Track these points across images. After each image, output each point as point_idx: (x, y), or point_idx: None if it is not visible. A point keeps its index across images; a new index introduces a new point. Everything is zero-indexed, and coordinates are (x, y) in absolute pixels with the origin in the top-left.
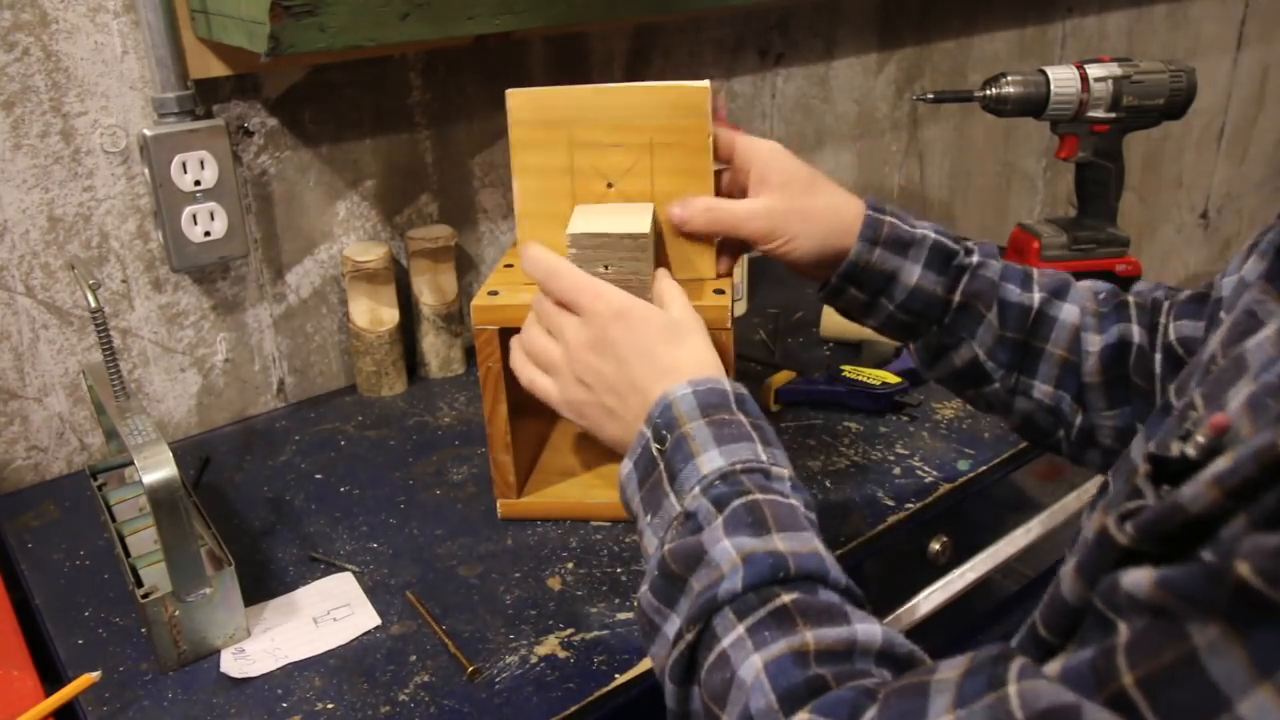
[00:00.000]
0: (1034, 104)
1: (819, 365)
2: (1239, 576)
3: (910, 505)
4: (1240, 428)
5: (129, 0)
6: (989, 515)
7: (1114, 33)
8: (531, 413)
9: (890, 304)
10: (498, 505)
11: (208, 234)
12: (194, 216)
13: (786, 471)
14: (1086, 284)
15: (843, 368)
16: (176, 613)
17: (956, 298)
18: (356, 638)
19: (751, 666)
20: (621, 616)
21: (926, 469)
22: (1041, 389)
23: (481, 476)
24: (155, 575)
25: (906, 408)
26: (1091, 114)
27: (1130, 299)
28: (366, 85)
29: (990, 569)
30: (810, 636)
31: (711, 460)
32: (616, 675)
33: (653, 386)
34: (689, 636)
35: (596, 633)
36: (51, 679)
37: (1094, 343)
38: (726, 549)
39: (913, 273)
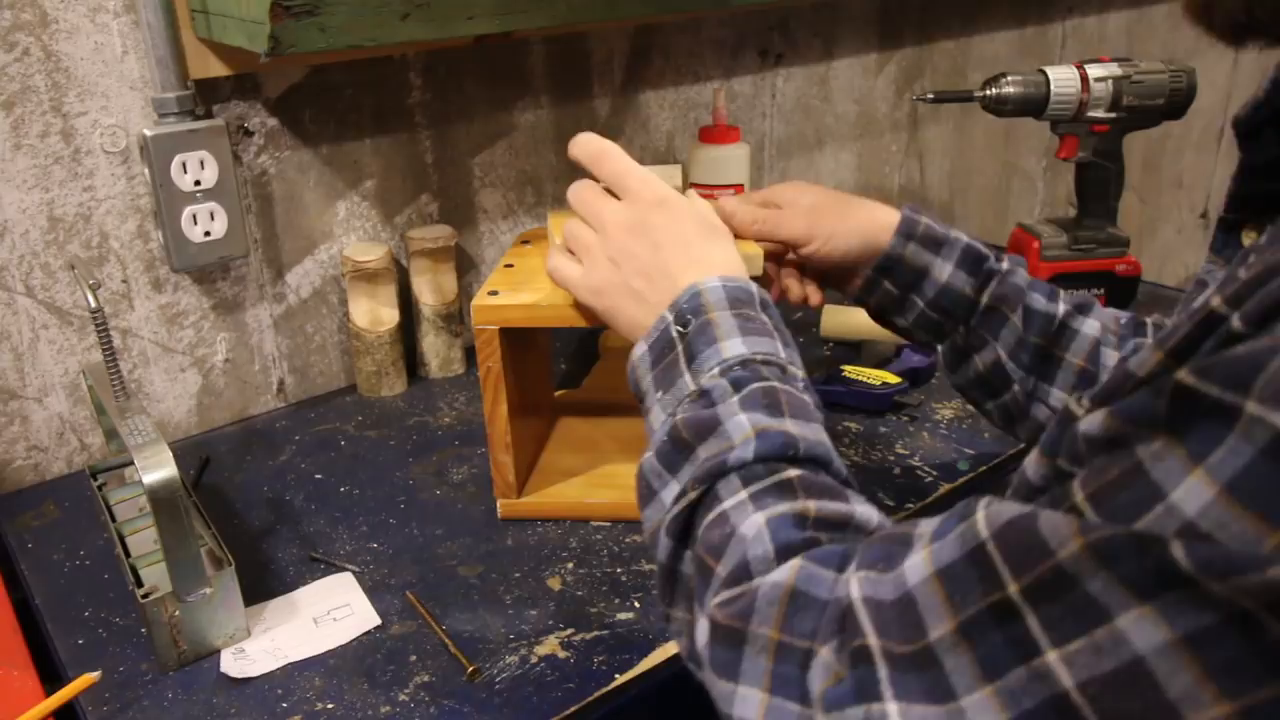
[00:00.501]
0: (1034, 104)
1: (819, 365)
2: (1177, 381)
3: (910, 505)
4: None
5: (129, 0)
6: None
7: (1114, 33)
8: (531, 413)
9: (921, 300)
10: (498, 505)
11: (208, 234)
12: (194, 216)
13: (801, 373)
14: (1110, 309)
15: (843, 368)
16: (176, 613)
17: (984, 300)
18: (356, 638)
19: (753, 523)
20: (621, 616)
21: (926, 469)
22: (1058, 396)
23: (481, 476)
24: (155, 575)
25: (906, 408)
26: (1091, 114)
27: (1149, 321)
28: (366, 85)
29: None
30: (812, 505)
31: (734, 347)
32: (616, 675)
33: (683, 273)
34: (691, 495)
35: (596, 633)
36: (51, 679)
37: (1112, 357)
38: (741, 421)
39: (944, 270)
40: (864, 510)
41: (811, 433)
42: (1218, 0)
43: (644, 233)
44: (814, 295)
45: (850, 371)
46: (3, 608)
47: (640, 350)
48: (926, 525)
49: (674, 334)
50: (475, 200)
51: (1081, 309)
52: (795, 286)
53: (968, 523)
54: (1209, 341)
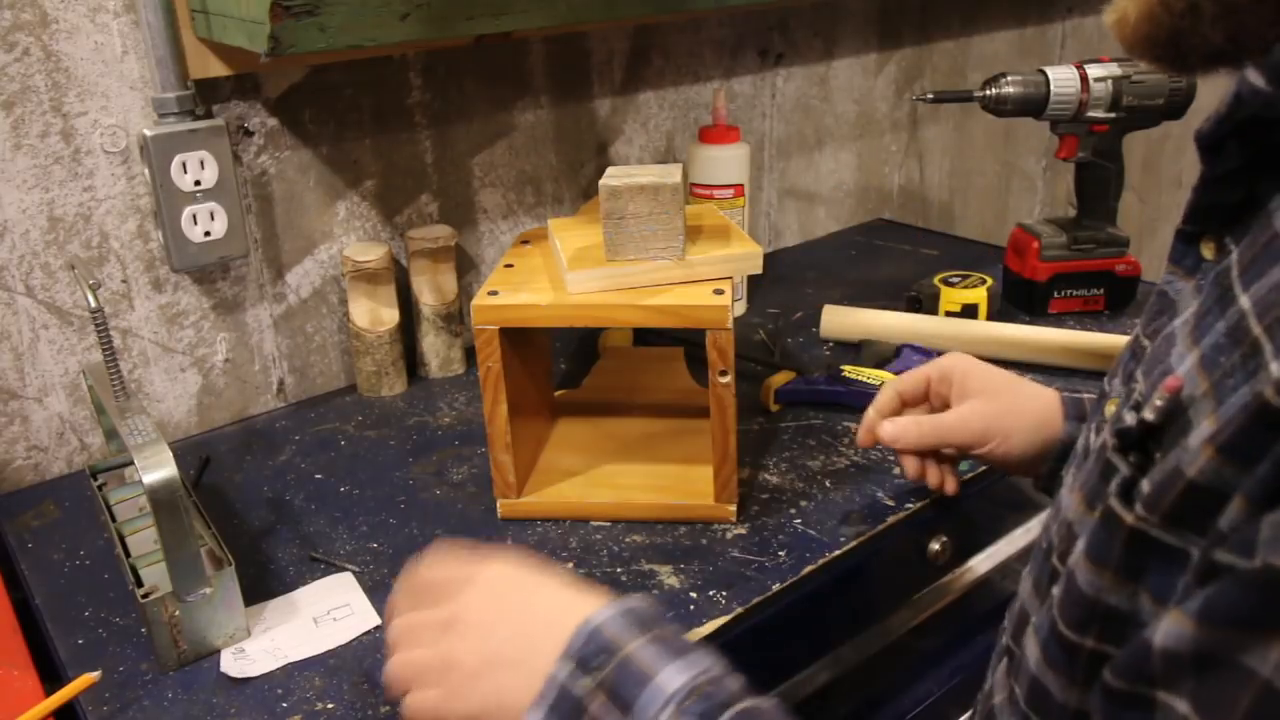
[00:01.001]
0: (1034, 104)
1: (819, 365)
2: (1276, 571)
3: (910, 505)
4: (1195, 386)
5: (129, 0)
6: (989, 515)
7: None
8: (531, 413)
9: None
10: (498, 505)
11: (208, 234)
12: (194, 216)
13: (738, 683)
14: None
15: (843, 368)
16: (176, 613)
17: None
18: (356, 638)
19: None
20: None
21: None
22: None
23: (481, 476)
24: (155, 575)
25: None
26: (1091, 114)
27: None
28: (366, 85)
29: (990, 569)
30: None
31: (674, 678)
32: None
33: (555, 625)
34: None
35: None
36: (51, 679)
37: None
38: None
39: None
40: None
41: None
42: (1189, 31)
43: (491, 610)
44: (950, 484)
45: (850, 371)
46: (3, 608)
47: None
48: None
49: (582, 688)
50: (475, 200)
51: None
52: (935, 474)
53: None
54: (1264, 463)
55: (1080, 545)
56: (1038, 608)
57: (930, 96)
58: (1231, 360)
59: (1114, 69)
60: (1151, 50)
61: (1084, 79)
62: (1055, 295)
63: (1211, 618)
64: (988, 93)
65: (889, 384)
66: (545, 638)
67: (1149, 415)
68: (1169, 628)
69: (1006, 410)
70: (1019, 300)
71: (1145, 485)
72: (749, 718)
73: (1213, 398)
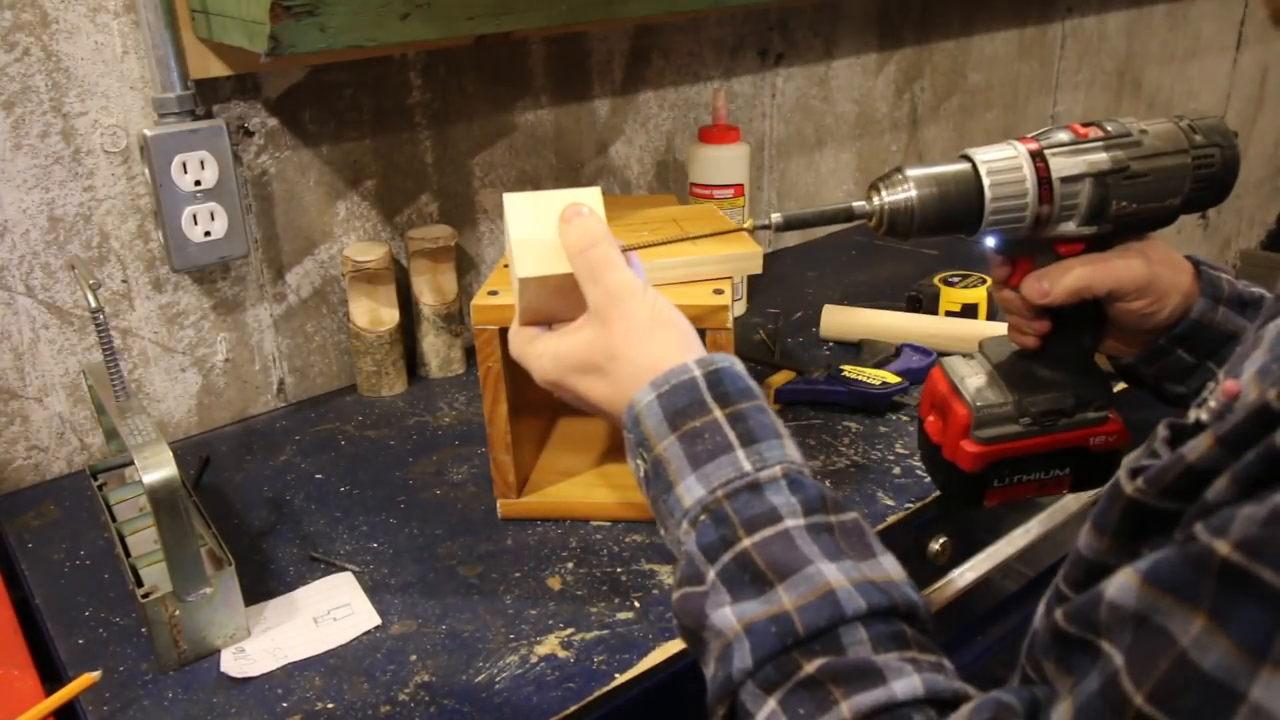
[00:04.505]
0: (953, 217)
1: (819, 365)
2: (1221, 556)
3: (910, 505)
4: (1249, 393)
5: (129, 0)
6: (989, 515)
7: (1114, 33)
8: (531, 413)
9: (1218, 369)
10: (498, 505)
11: (208, 234)
12: (194, 216)
13: (779, 468)
14: None
15: (843, 368)
16: (177, 612)
17: None
18: (356, 638)
19: None
20: (621, 616)
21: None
22: None
23: (481, 476)
24: (155, 575)
25: (906, 408)
26: (1061, 229)
27: None
28: (366, 85)
29: (990, 569)
30: (846, 709)
31: (691, 490)
32: (616, 675)
33: (627, 381)
34: (721, 712)
35: (596, 633)
36: (51, 679)
37: None
38: (727, 616)
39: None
40: (904, 686)
41: (807, 588)
42: None
43: (562, 391)
44: (1030, 339)
45: (850, 371)
46: (3, 608)
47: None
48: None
49: (642, 470)
50: (475, 200)
51: None
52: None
53: None
54: (1254, 449)
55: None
56: None
57: (777, 218)
58: None
59: (1098, 158)
60: None
61: (1043, 176)
62: (995, 485)
63: (1154, 581)
64: (872, 202)
65: None
66: (619, 406)
67: (1204, 416)
68: (1120, 581)
69: (1167, 261)
70: (943, 481)
71: (1155, 464)
72: (745, 564)
73: None
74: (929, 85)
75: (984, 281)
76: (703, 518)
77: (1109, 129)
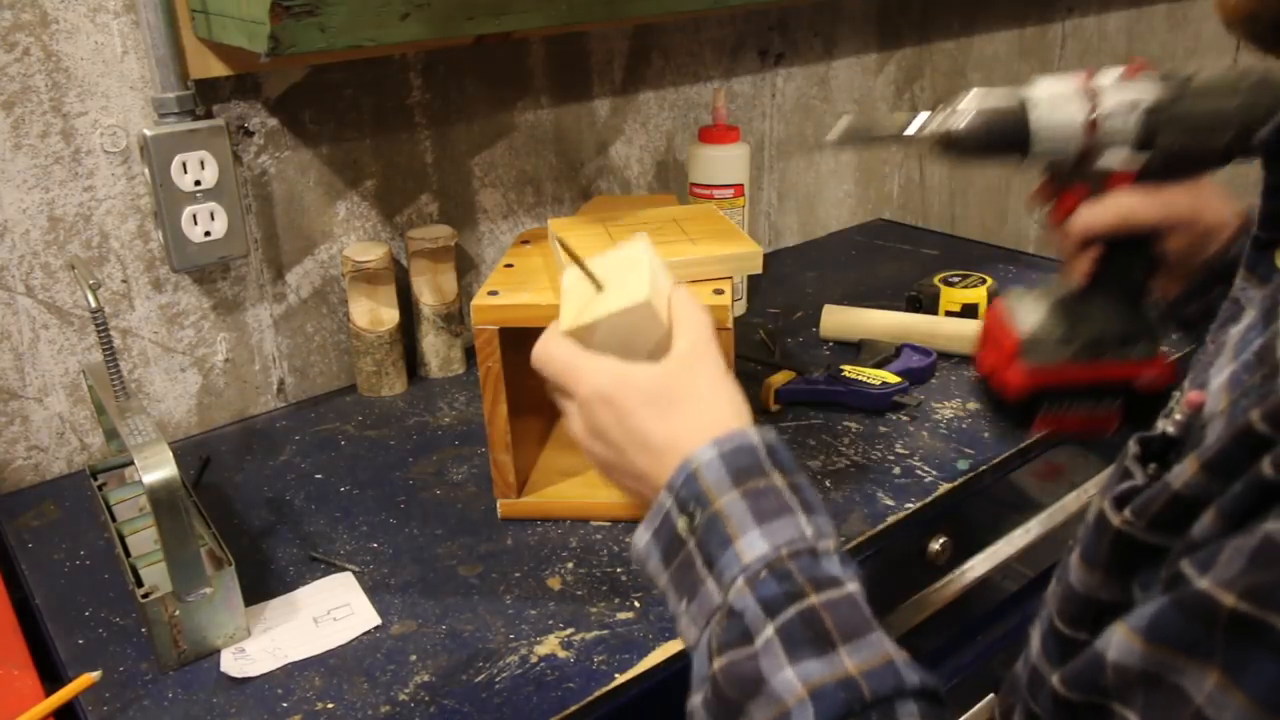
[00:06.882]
0: (1002, 138)
1: (819, 365)
2: (1228, 608)
3: (910, 505)
4: (1216, 403)
5: (129, 0)
6: (989, 515)
7: (1114, 33)
8: (531, 413)
9: None
10: (498, 505)
11: (208, 234)
12: (194, 216)
13: (832, 542)
14: None
15: (843, 368)
16: (176, 612)
17: None
18: (356, 638)
19: None
20: (621, 616)
21: (926, 469)
22: None
23: (481, 476)
24: (155, 575)
25: (906, 408)
26: (1105, 162)
27: None
28: (366, 85)
29: (990, 569)
30: None
31: (753, 545)
32: (616, 675)
33: (657, 471)
34: None
35: (596, 633)
36: (51, 679)
37: None
38: (789, 680)
39: None
40: None
41: (871, 654)
42: (1264, 8)
43: (601, 435)
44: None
45: (850, 371)
46: (3, 608)
47: (644, 539)
48: None
49: (679, 530)
50: (475, 200)
51: None
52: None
53: None
54: (1240, 480)
55: (1078, 546)
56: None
57: (837, 136)
58: (1252, 380)
59: (1144, 89)
60: (1252, 29)
61: (1092, 107)
62: (1044, 410)
63: (1154, 637)
64: (922, 130)
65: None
66: (669, 452)
67: (1170, 428)
68: (1120, 642)
69: (1216, 204)
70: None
71: (1141, 493)
72: (811, 621)
73: (1227, 417)
74: (929, 85)
75: (984, 282)
76: (763, 574)
77: (1161, 71)
